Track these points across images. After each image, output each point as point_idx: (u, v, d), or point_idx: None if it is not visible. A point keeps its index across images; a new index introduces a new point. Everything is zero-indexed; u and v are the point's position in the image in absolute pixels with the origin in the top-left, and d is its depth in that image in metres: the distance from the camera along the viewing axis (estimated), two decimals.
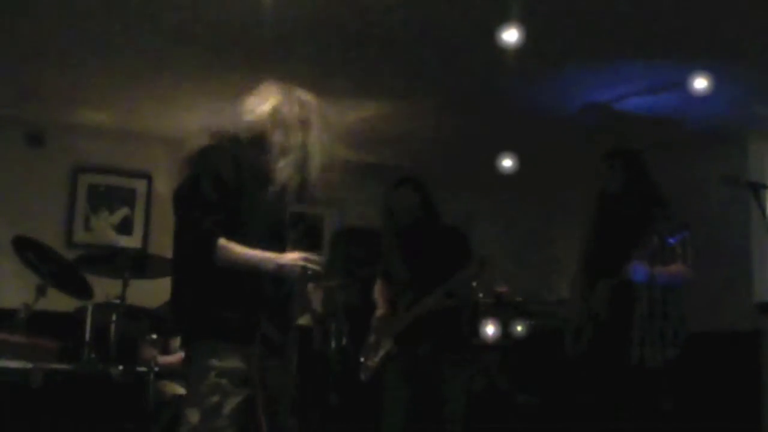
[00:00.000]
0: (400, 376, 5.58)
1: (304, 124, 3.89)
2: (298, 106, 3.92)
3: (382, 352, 5.69)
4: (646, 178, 5.29)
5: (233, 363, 3.59)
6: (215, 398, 3.56)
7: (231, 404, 3.58)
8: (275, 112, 3.86)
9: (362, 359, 5.88)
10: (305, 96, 3.98)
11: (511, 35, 5.62)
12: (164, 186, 8.34)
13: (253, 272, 3.65)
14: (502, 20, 5.54)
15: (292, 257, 3.70)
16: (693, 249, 5.05)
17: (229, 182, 3.67)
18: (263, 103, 3.89)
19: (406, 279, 5.66)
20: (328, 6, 5.55)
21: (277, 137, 3.81)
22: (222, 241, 3.59)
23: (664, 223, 4.83)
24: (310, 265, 3.70)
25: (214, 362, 3.59)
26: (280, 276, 3.68)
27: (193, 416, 3.58)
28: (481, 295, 7.53)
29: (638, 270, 4.87)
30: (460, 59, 6.39)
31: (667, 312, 5.03)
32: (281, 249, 3.79)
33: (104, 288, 5.96)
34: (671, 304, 5.05)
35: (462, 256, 5.59)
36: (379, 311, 5.84)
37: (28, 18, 5.82)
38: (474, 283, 5.78)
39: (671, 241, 4.87)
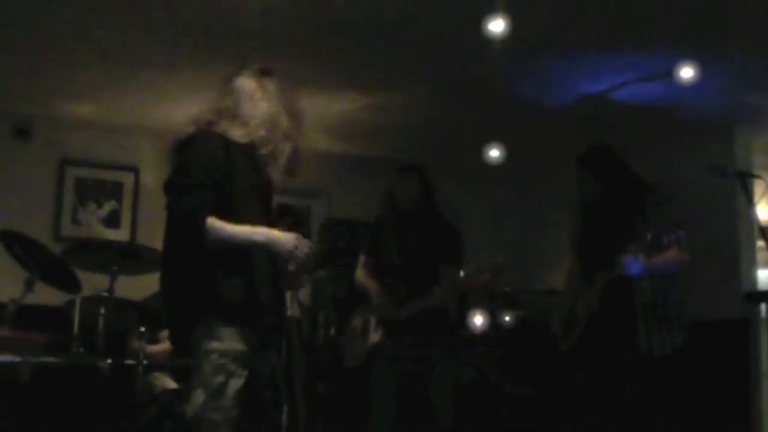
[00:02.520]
0: (390, 366, 5.58)
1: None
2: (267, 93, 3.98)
3: (370, 343, 5.70)
4: (624, 170, 5.31)
5: (234, 344, 3.66)
6: (220, 378, 3.64)
7: (235, 385, 3.65)
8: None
9: (346, 344, 5.88)
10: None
11: (499, 25, 5.61)
12: (152, 179, 8.33)
13: (244, 246, 3.69)
14: (491, 10, 5.54)
15: (285, 236, 3.75)
16: (688, 239, 5.10)
17: (219, 165, 3.72)
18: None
19: (398, 266, 5.66)
20: None
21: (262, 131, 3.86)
22: (211, 220, 3.61)
23: (658, 215, 4.88)
24: (299, 251, 3.73)
25: (215, 344, 3.65)
26: (269, 249, 3.71)
27: (198, 397, 3.64)
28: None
29: (631, 264, 4.90)
30: (448, 50, 6.38)
31: (668, 299, 5.07)
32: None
33: (92, 281, 5.96)
34: (671, 290, 5.08)
35: (452, 253, 5.62)
36: (375, 296, 5.78)
37: (13, 12, 5.80)
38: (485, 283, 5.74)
39: (665, 237, 4.92)
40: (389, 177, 5.82)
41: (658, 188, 5.15)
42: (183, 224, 3.67)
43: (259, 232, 3.71)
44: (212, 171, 3.69)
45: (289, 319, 5.38)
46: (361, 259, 5.90)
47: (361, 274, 5.87)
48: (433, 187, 5.74)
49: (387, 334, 5.63)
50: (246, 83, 3.99)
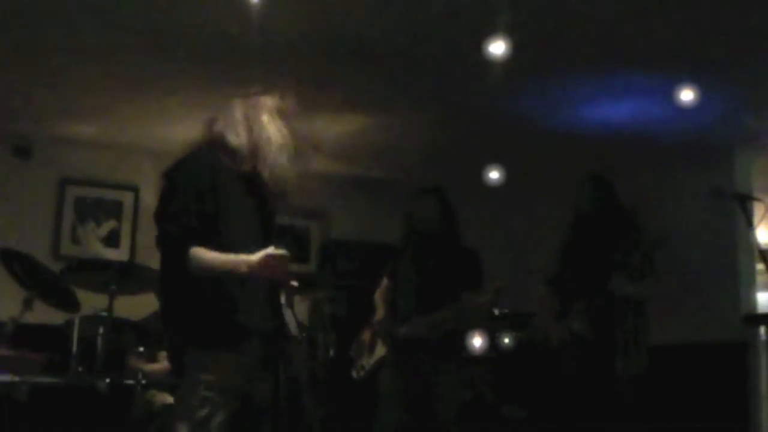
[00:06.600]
0: (397, 379, 5.57)
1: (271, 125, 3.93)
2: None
3: (377, 356, 5.70)
4: (615, 201, 5.46)
5: (222, 376, 3.60)
6: (204, 411, 3.56)
7: (220, 417, 3.58)
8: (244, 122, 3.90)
9: (354, 356, 5.89)
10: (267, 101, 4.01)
11: (499, 48, 5.62)
12: (151, 198, 8.24)
13: (229, 277, 3.63)
14: (490, 33, 5.55)
15: (259, 255, 3.59)
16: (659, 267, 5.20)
17: (202, 190, 3.68)
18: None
19: (412, 287, 5.65)
20: (316, 20, 5.56)
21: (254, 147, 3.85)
22: (194, 250, 3.58)
23: (637, 243, 5.00)
24: (274, 268, 3.62)
25: (204, 376, 3.59)
26: (255, 276, 3.65)
27: (182, 430, 3.59)
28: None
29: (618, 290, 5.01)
30: (448, 72, 6.40)
31: (638, 325, 5.15)
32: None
33: (91, 300, 5.94)
34: (641, 317, 5.18)
35: (472, 278, 5.61)
36: (379, 314, 5.81)
37: (15, 31, 5.82)
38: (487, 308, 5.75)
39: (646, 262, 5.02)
40: (408, 199, 5.82)
41: (647, 229, 5.29)
42: (167, 254, 3.67)
43: (240, 261, 3.59)
44: (196, 197, 3.67)
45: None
46: (384, 281, 5.92)
47: (377, 294, 5.90)
48: (453, 209, 5.73)
49: (393, 350, 5.62)
50: (238, 106, 3.98)
